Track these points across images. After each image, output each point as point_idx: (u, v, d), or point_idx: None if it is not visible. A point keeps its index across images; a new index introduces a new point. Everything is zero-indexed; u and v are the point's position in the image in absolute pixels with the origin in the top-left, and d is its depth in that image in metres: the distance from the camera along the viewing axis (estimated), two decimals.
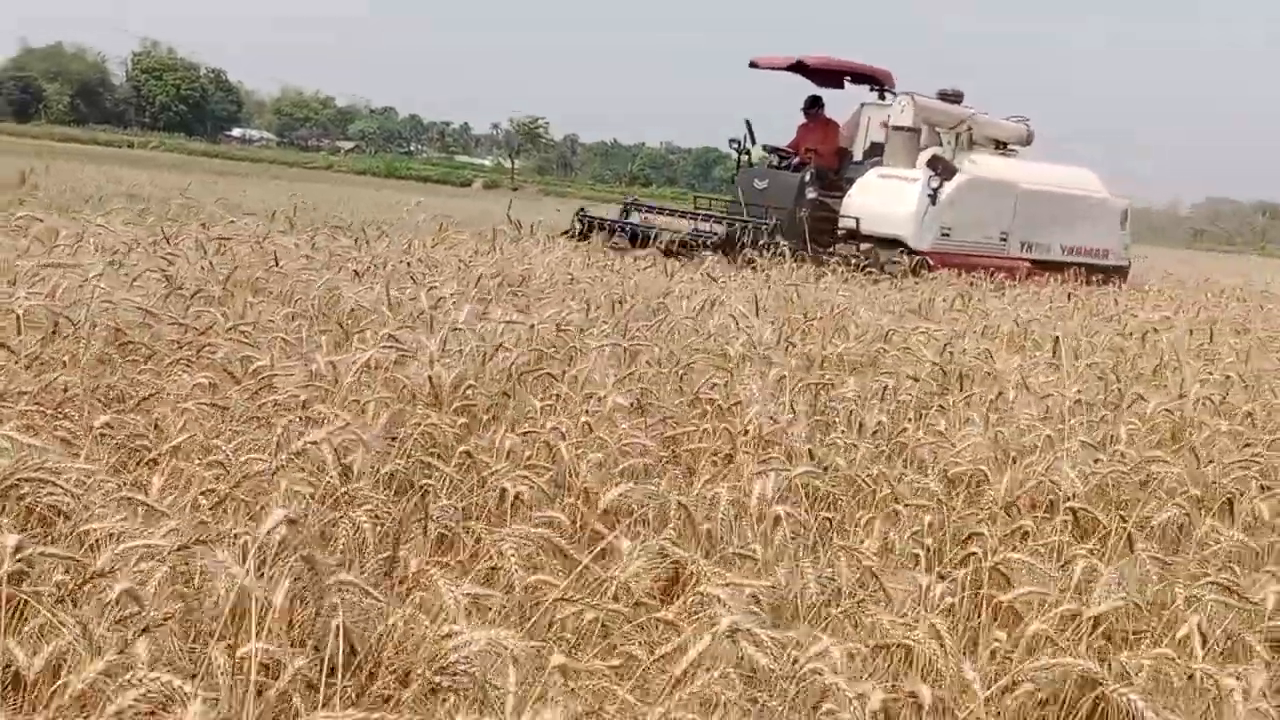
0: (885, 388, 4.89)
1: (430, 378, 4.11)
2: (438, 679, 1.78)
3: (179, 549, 1.96)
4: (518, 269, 7.69)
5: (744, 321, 6.43)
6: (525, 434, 3.64)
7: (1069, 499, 3.63)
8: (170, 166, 32.38)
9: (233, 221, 9.07)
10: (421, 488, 3.17)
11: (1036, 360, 6.66)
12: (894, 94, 14.94)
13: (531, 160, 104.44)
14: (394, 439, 3.57)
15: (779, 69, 15.32)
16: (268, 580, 1.83)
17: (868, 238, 13.72)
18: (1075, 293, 11.11)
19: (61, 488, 2.48)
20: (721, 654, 2.10)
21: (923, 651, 2.31)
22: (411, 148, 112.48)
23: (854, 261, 12.19)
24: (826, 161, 14.78)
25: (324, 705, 1.68)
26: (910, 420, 4.53)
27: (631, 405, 4.06)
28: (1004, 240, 14.84)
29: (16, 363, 3.49)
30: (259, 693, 1.66)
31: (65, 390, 3.42)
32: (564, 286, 7.32)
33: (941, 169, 13.81)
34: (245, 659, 1.74)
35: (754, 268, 10.63)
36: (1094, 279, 13.74)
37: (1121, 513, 3.48)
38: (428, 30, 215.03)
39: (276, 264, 6.35)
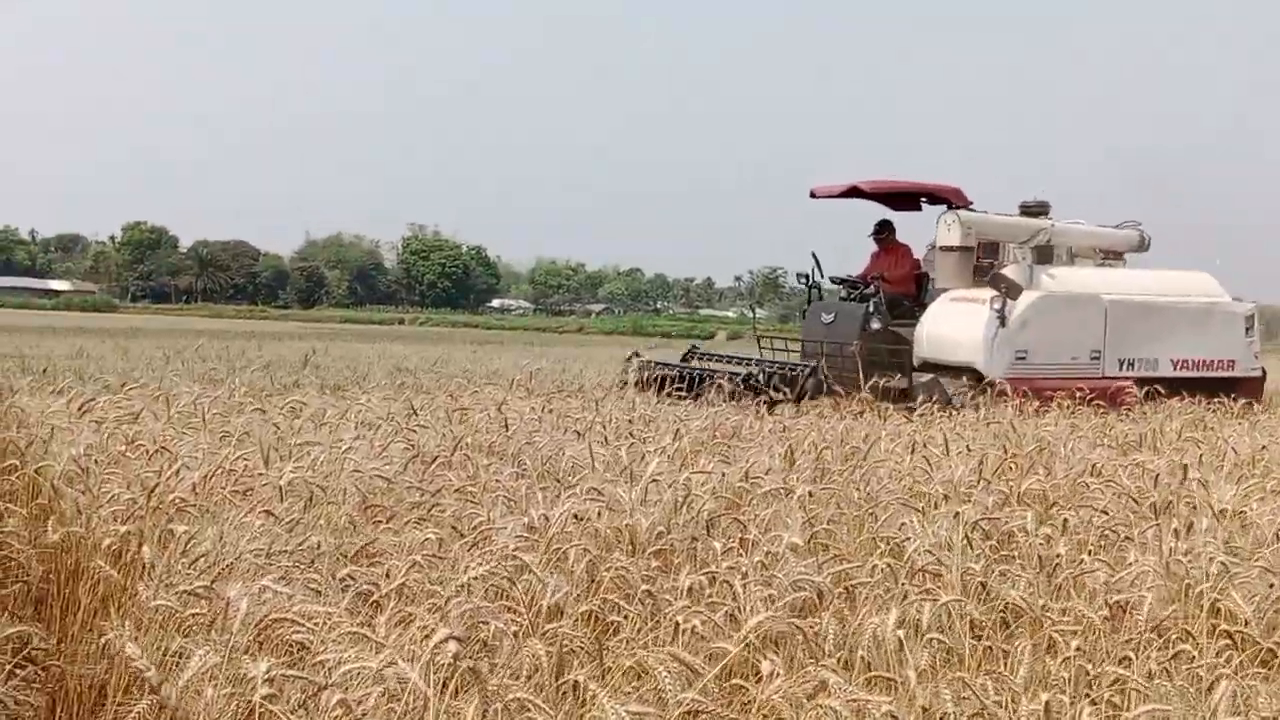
0: (1066, 520, 5.02)
1: (627, 526, 4.60)
2: None
3: (385, 667, 2.47)
4: (730, 421, 8.16)
5: (942, 462, 6.64)
6: (706, 574, 4.04)
7: (1241, 623, 3.72)
8: (434, 340, 34.96)
9: (475, 391, 9.99)
10: (608, 623, 3.65)
11: (1262, 489, 6.53)
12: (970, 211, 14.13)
13: (774, 309, 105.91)
14: (594, 580, 4.08)
15: (835, 197, 14.76)
16: (441, 685, 2.31)
17: (939, 366, 12.96)
18: None
19: (305, 626, 3.07)
20: None
21: None
22: (658, 305, 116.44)
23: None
24: (900, 287, 14.08)
25: None
26: (1089, 552, 4.65)
27: (807, 545, 4.39)
28: (1096, 359, 13.58)
29: (279, 526, 4.19)
30: None
31: (317, 548, 4.08)
32: (772, 435, 7.72)
33: (1005, 287, 12.80)
34: None
35: (976, 406, 10.71)
36: (1218, 395, 11.96)
37: None
38: (672, 195, 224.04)
39: (506, 428, 7.05)
